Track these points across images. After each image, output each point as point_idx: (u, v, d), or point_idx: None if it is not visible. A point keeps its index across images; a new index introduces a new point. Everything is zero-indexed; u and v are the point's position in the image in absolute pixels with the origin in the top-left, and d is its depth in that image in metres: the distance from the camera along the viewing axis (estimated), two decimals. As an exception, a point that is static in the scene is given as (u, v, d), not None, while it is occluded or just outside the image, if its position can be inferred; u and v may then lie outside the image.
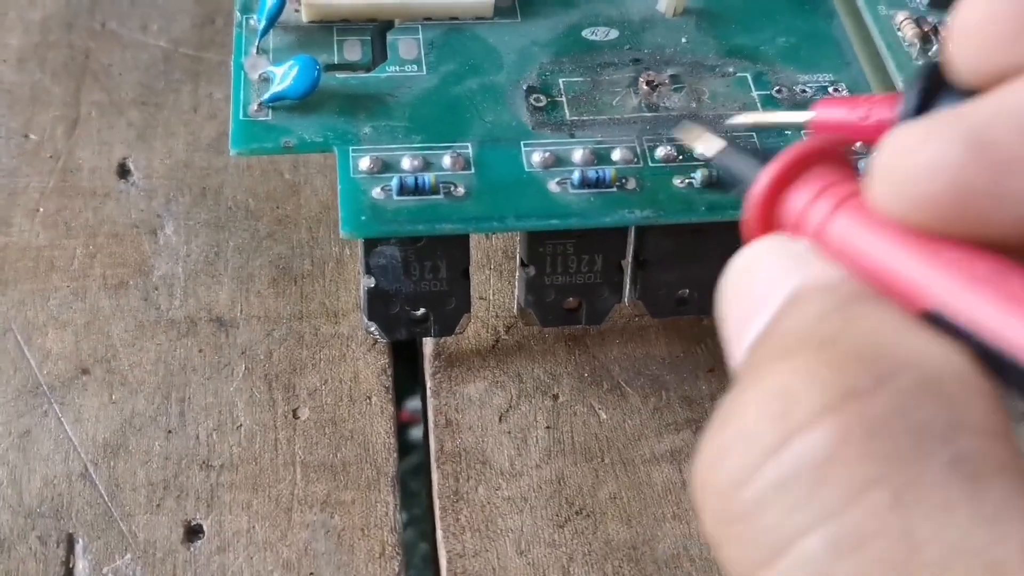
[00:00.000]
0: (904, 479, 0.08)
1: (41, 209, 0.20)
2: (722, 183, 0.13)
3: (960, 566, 0.07)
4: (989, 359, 0.08)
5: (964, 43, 0.10)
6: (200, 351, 0.18)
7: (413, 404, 0.22)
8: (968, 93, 0.11)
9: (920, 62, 0.19)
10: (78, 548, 0.16)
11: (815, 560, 0.08)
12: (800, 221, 0.10)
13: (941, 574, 0.07)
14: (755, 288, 0.10)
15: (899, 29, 0.19)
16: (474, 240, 0.19)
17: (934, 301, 0.09)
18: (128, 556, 0.16)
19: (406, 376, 0.20)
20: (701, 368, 0.18)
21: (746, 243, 0.10)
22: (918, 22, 0.19)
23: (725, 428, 0.09)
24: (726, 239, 0.17)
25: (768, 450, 0.08)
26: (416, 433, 0.22)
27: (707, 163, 0.13)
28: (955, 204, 0.09)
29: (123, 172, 0.21)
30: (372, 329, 0.18)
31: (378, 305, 0.17)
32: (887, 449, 0.08)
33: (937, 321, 0.09)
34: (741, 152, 0.12)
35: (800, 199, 0.10)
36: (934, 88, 0.12)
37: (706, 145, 0.14)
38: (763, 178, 0.10)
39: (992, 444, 0.08)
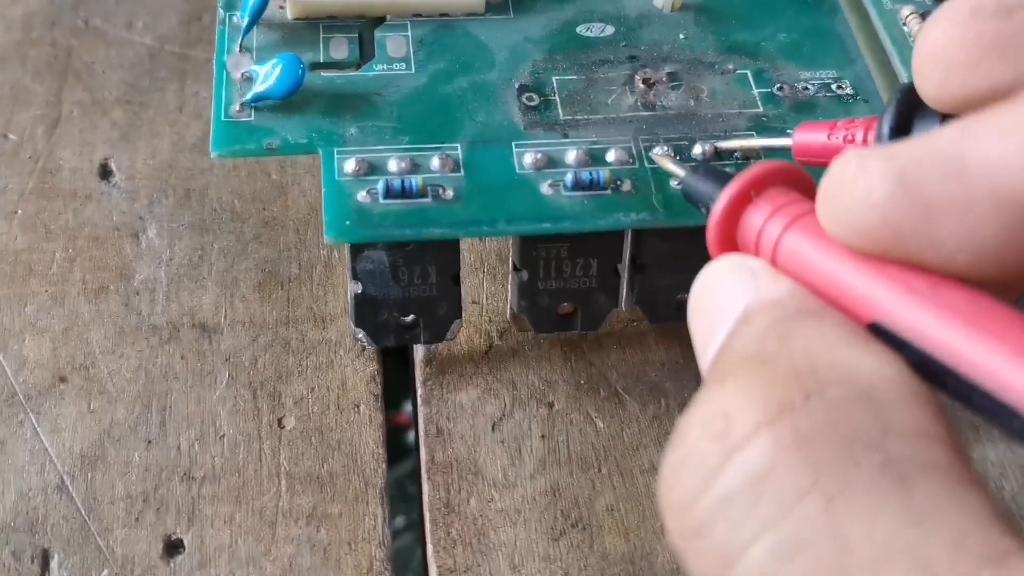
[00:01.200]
0: (835, 486, 0.08)
1: (19, 211, 0.19)
2: (691, 204, 0.13)
3: (891, 566, 0.08)
4: (930, 367, 0.09)
5: (926, 71, 0.10)
6: (182, 358, 0.17)
7: (407, 408, 0.21)
8: (945, 116, 0.11)
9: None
10: (53, 564, 0.15)
11: (761, 569, 0.08)
12: (758, 239, 0.11)
13: (874, 574, 0.08)
14: (715, 304, 0.10)
15: (905, 24, 0.19)
16: (467, 243, 0.19)
17: (877, 313, 0.09)
18: (105, 572, 0.15)
19: (398, 381, 0.19)
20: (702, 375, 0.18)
21: (711, 260, 0.11)
22: (924, 16, 0.19)
23: (677, 449, 0.09)
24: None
25: (713, 469, 0.09)
26: (412, 437, 0.21)
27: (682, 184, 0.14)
28: (886, 238, 0.09)
29: (105, 173, 0.20)
30: (360, 336, 0.17)
31: (366, 311, 0.17)
32: (818, 459, 0.08)
33: (881, 332, 0.09)
34: (705, 176, 0.13)
35: (757, 218, 0.11)
36: (910, 111, 0.12)
37: (675, 171, 0.15)
38: (721, 199, 0.11)
39: (922, 446, 0.08)
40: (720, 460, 0.09)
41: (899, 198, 0.09)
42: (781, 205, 0.11)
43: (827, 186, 0.10)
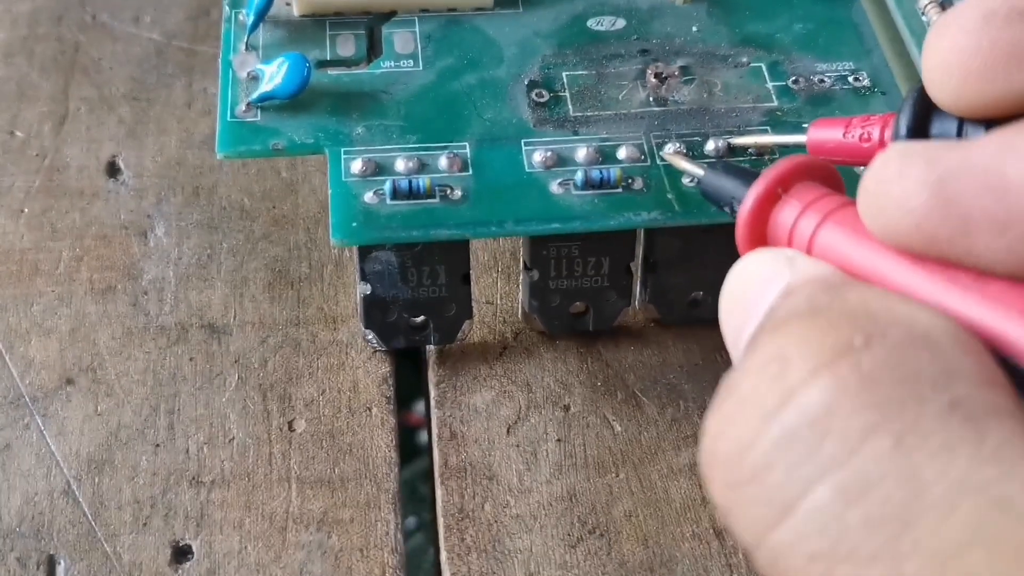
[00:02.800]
0: (903, 424, 0.08)
1: (26, 210, 0.19)
2: (712, 202, 0.13)
3: (967, 503, 0.08)
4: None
5: (939, 79, 0.10)
6: (191, 359, 0.17)
7: (420, 407, 0.21)
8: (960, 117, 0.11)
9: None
10: (59, 570, 0.15)
11: (825, 510, 0.08)
12: (790, 236, 0.11)
13: (949, 512, 0.08)
14: (750, 292, 0.10)
15: (923, 13, 0.18)
16: (480, 242, 0.18)
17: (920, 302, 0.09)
18: (113, 578, 0.15)
19: (410, 381, 0.19)
20: (721, 376, 0.17)
21: (740, 257, 0.11)
22: (943, 6, 0.18)
23: (726, 400, 0.09)
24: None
25: (769, 412, 0.08)
26: (424, 437, 0.21)
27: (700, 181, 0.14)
28: (922, 243, 0.09)
29: (112, 171, 0.20)
30: (369, 337, 0.17)
31: (375, 312, 0.16)
32: (883, 398, 0.08)
33: None
34: (725, 173, 0.13)
35: (788, 215, 0.11)
36: (927, 110, 0.12)
37: (691, 170, 0.15)
38: (749, 197, 0.11)
39: (988, 391, 0.08)
40: (777, 403, 0.08)
41: (935, 208, 0.09)
42: (812, 201, 0.11)
43: (867, 183, 0.10)
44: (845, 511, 0.08)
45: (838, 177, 0.11)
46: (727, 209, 0.12)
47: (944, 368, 0.08)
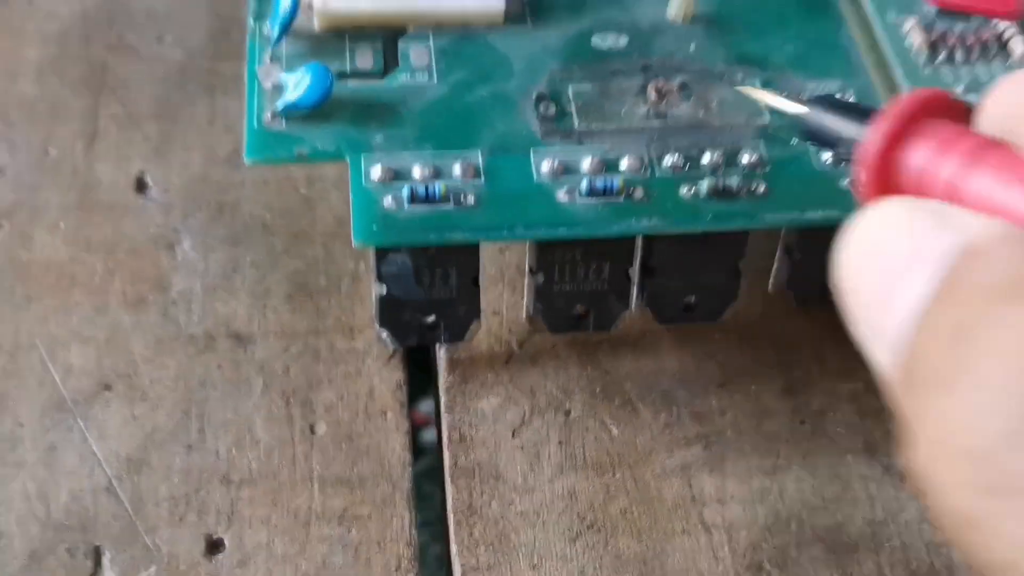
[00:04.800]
0: None
1: (62, 224, 0.20)
2: (817, 142, 0.12)
3: None
4: None
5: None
6: (219, 367, 0.18)
7: (426, 406, 0.22)
8: None
9: (928, 71, 0.19)
10: (105, 560, 0.16)
11: None
12: (923, 179, 0.09)
13: None
14: (897, 251, 0.09)
15: (907, 36, 0.19)
16: (488, 254, 0.19)
17: None
18: (153, 568, 0.16)
19: (418, 382, 0.20)
20: (712, 383, 0.19)
21: (864, 205, 0.09)
22: (927, 29, 0.19)
23: (961, 384, 0.08)
24: (731, 246, 0.18)
25: None
26: (428, 436, 0.22)
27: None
28: None
29: (140, 186, 0.21)
30: (384, 336, 0.18)
31: (389, 312, 0.17)
32: None
33: None
34: (834, 109, 0.11)
35: (919, 156, 0.09)
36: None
37: (789, 106, 0.13)
38: (876, 136, 0.09)
39: None
40: None
41: None
42: (949, 140, 0.09)
43: None
44: None
45: (970, 117, 0.10)
46: (841, 151, 0.11)
47: None
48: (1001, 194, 0.08)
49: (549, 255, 0.17)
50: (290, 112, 0.17)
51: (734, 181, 0.17)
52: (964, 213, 0.09)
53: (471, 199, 0.16)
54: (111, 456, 0.17)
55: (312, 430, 0.18)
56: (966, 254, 0.08)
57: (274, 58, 0.18)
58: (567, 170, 0.17)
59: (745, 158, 0.17)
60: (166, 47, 0.23)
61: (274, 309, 0.19)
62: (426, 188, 0.16)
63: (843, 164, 0.10)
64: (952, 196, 0.09)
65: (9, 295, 0.19)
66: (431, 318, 0.18)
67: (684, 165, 0.17)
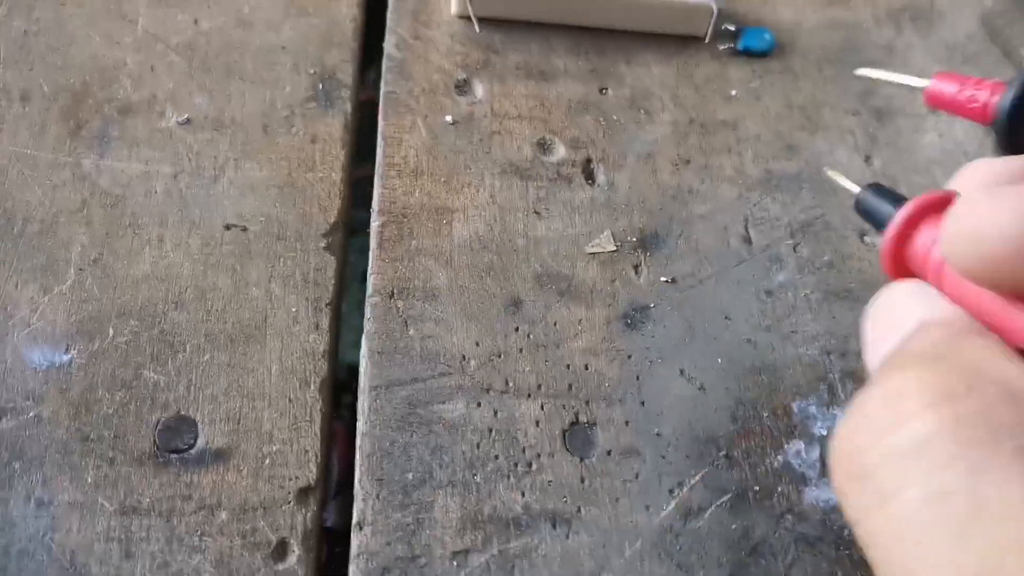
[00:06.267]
0: (979, 458, 0.11)
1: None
2: (862, 217, 0.16)
3: (1013, 522, 0.11)
4: None
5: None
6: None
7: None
8: None
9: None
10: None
11: (912, 507, 0.12)
12: (924, 259, 0.13)
13: (998, 524, 0.11)
14: (894, 315, 0.14)
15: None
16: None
17: (1020, 339, 0.12)
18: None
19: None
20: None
21: (886, 278, 0.14)
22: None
23: (854, 414, 0.13)
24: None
25: (885, 430, 0.12)
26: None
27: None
28: (1011, 272, 0.12)
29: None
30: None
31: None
32: (970, 437, 0.11)
33: None
34: (878, 195, 0.15)
35: (926, 239, 0.13)
36: None
37: (848, 187, 0.17)
38: (897, 219, 0.14)
39: None
40: (891, 425, 0.12)
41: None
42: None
43: (958, 222, 0.12)
44: (925, 510, 0.11)
45: None
46: (876, 226, 0.15)
47: (1021, 421, 0.11)
48: (961, 282, 0.12)
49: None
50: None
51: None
52: (941, 299, 0.13)
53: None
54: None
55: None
56: (916, 329, 0.13)
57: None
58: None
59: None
60: None
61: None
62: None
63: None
64: (938, 277, 0.13)
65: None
66: None
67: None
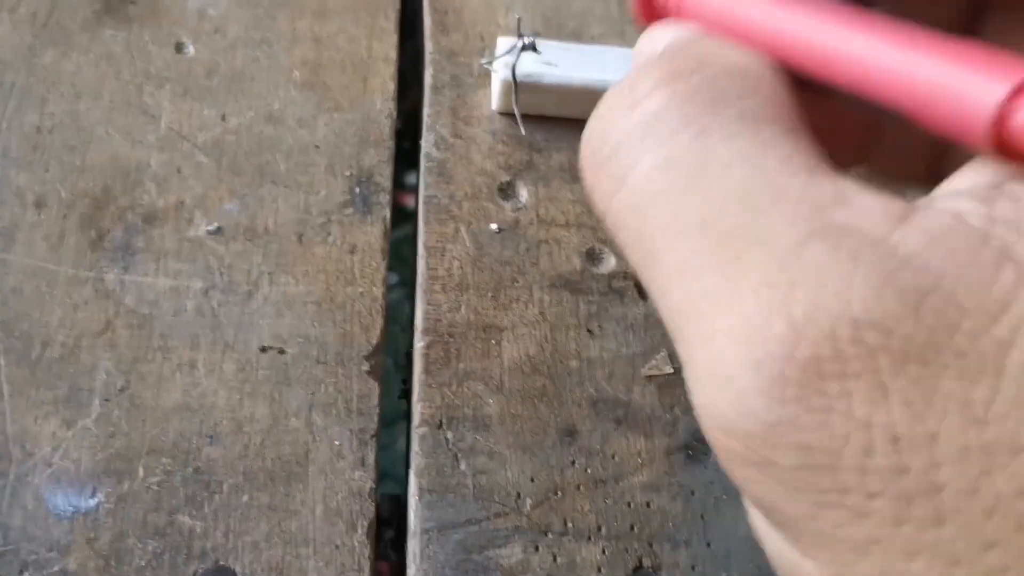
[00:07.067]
0: (704, 123, 0.12)
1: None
2: None
3: (735, 170, 0.12)
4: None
5: None
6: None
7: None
8: None
9: None
10: None
11: (645, 177, 0.12)
12: (667, 4, 0.15)
13: (722, 174, 0.12)
14: (642, 50, 0.15)
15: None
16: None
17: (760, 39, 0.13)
18: None
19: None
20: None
21: (641, 26, 0.15)
22: None
23: (600, 107, 0.14)
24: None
25: (623, 113, 0.13)
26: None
27: None
28: None
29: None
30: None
31: None
32: (696, 107, 0.12)
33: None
34: None
35: None
36: None
37: None
38: None
39: (770, 106, 0.12)
40: (629, 106, 0.13)
41: None
42: None
43: None
44: (656, 175, 0.12)
45: None
46: None
47: (743, 90, 0.12)
48: (701, 5, 0.14)
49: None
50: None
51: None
52: (679, 27, 0.14)
53: None
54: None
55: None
56: (664, 50, 0.14)
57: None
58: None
59: None
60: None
61: None
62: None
63: None
64: (680, 11, 0.15)
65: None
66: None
67: None
